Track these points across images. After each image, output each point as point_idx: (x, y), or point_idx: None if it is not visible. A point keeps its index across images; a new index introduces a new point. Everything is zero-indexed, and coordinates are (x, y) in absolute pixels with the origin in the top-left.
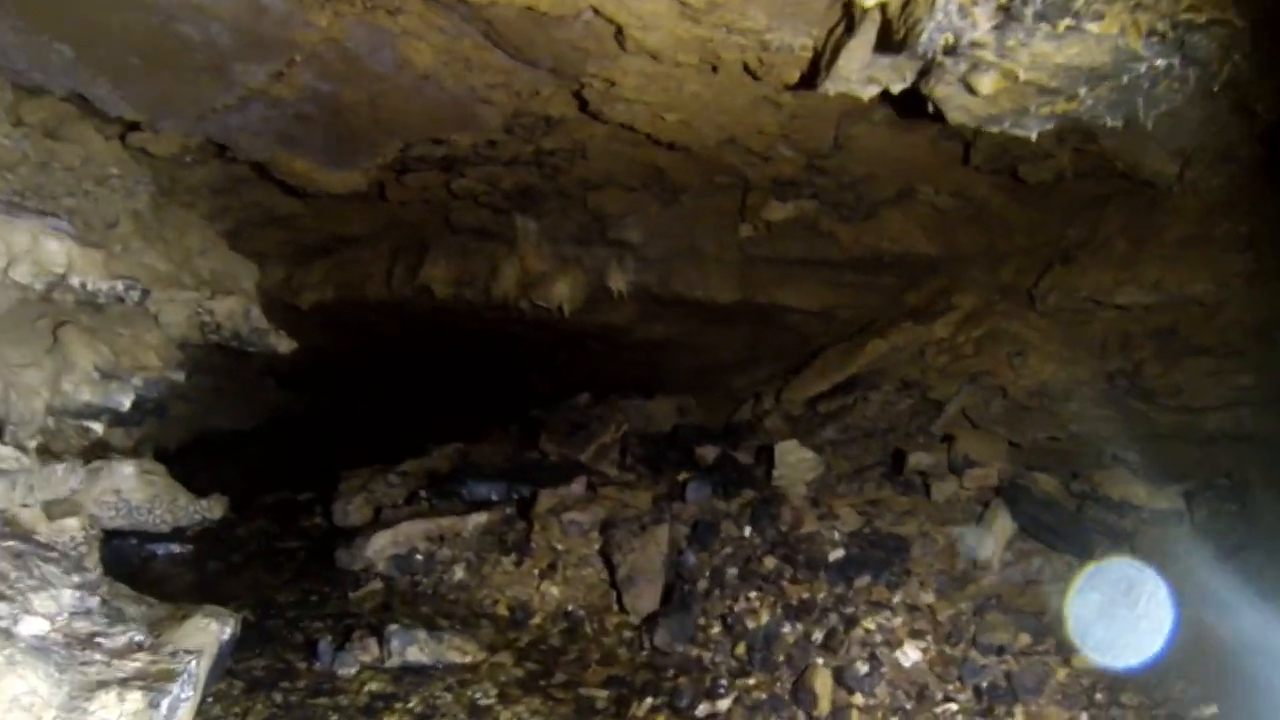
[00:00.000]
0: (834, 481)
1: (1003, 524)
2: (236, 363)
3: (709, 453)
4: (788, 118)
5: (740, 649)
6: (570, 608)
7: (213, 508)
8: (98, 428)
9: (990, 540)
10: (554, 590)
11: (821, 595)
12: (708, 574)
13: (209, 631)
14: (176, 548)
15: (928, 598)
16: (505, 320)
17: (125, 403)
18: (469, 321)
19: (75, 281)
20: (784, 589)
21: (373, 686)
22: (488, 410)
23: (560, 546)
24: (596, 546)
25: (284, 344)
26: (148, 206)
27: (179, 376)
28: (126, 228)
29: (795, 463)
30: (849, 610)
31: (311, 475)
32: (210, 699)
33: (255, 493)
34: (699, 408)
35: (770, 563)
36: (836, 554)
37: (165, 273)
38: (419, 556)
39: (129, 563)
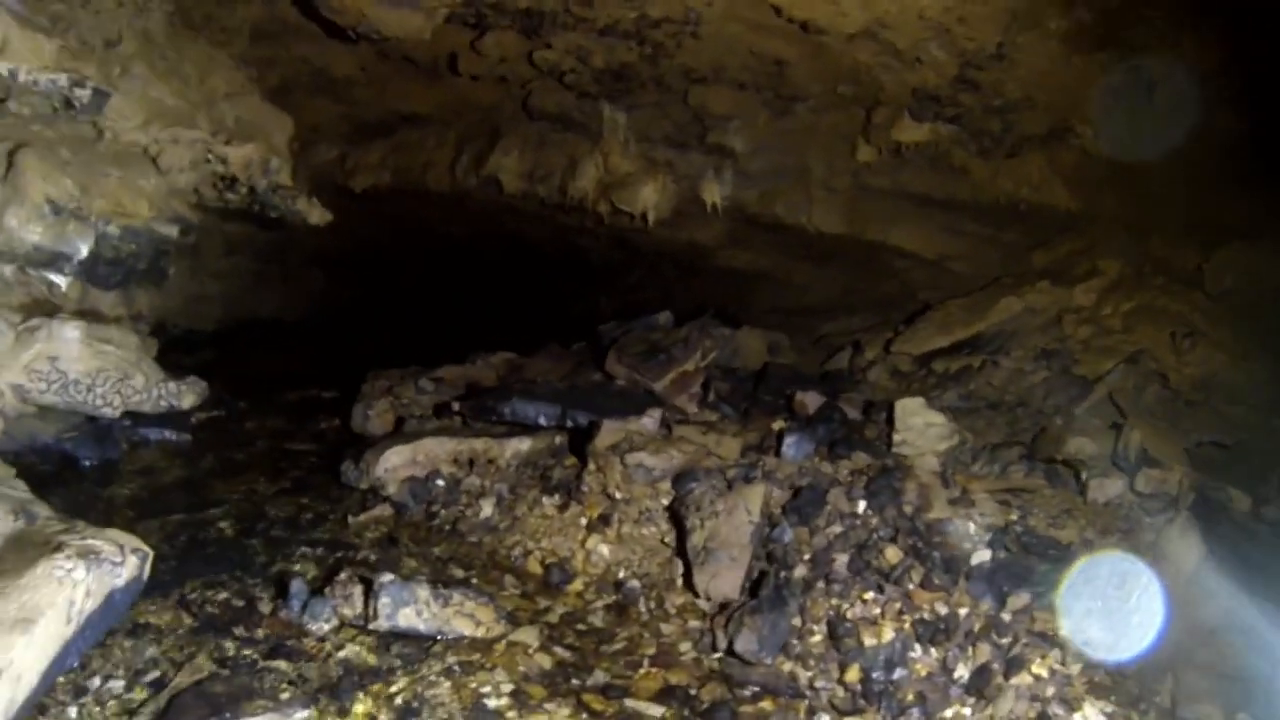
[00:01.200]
0: (967, 457)
1: (1188, 547)
2: (280, 247)
3: (810, 400)
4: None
5: (852, 673)
6: (622, 575)
7: (182, 394)
8: (60, 281)
9: (1172, 566)
10: (603, 549)
11: (964, 612)
12: (809, 558)
13: (65, 585)
14: (171, 434)
15: None
16: (577, 227)
17: (82, 249)
18: (536, 225)
19: (3, 69)
20: (912, 596)
21: (347, 653)
22: (545, 327)
23: (618, 494)
24: (665, 501)
25: (316, 213)
26: (163, 31)
27: (170, 230)
28: (130, 48)
29: (921, 427)
30: (1006, 641)
31: (345, 374)
32: (151, 630)
33: (281, 386)
34: (791, 348)
35: (893, 554)
36: (980, 556)
37: (174, 109)
38: (440, 482)
39: (106, 446)
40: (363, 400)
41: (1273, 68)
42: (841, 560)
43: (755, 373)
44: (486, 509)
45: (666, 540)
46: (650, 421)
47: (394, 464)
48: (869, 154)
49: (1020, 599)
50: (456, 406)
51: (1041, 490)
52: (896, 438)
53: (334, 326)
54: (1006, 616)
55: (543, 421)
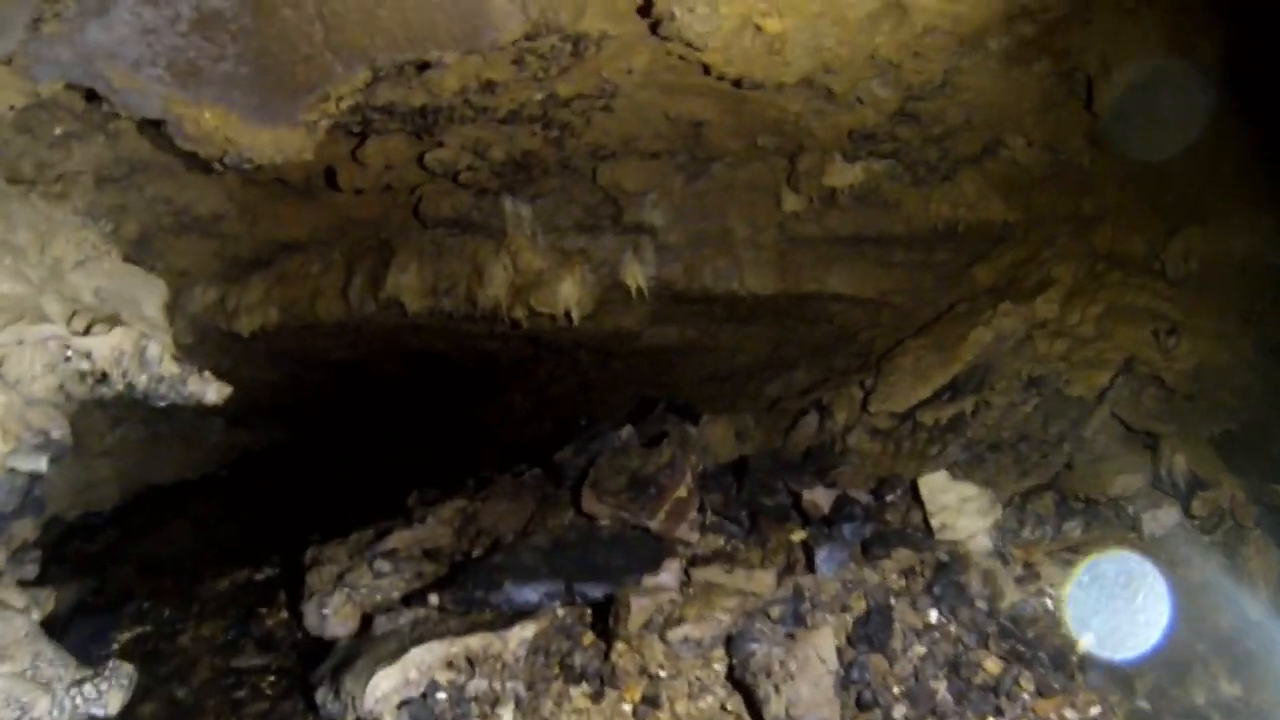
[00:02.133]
0: (1014, 524)
1: (1265, 565)
2: (169, 406)
3: (820, 498)
4: (916, 35)
5: None
6: None
7: (105, 696)
8: None
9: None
10: None
11: (1098, 711)
12: (903, 693)
13: None
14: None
15: None
16: (484, 334)
17: None
18: (441, 339)
19: None
20: (1035, 709)
21: None
22: (465, 440)
23: (662, 672)
24: (719, 667)
25: (212, 390)
26: None
27: (35, 464)
28: None
29: (956, 504)
30: None
31: (272, 539)
32: None
33: (203, 570)
34: (757, 428)
35: (993, 665)
36: (1086, 639)
37: (10, 298)
38: (441, 695)
39: None
40: (314, 595)
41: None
42: (941, 688)
43: (733, 468)
44: (506, 716)
45: (728, 707)
46: (669, 577)
47: (385, 690)
48: (796, 203)
49: (1145, 678)
50: (435, 600)
51: (1098, 539)
52: (935, 522)
53: (242, 482)
54: (1144, 704)
55: (545, 603)
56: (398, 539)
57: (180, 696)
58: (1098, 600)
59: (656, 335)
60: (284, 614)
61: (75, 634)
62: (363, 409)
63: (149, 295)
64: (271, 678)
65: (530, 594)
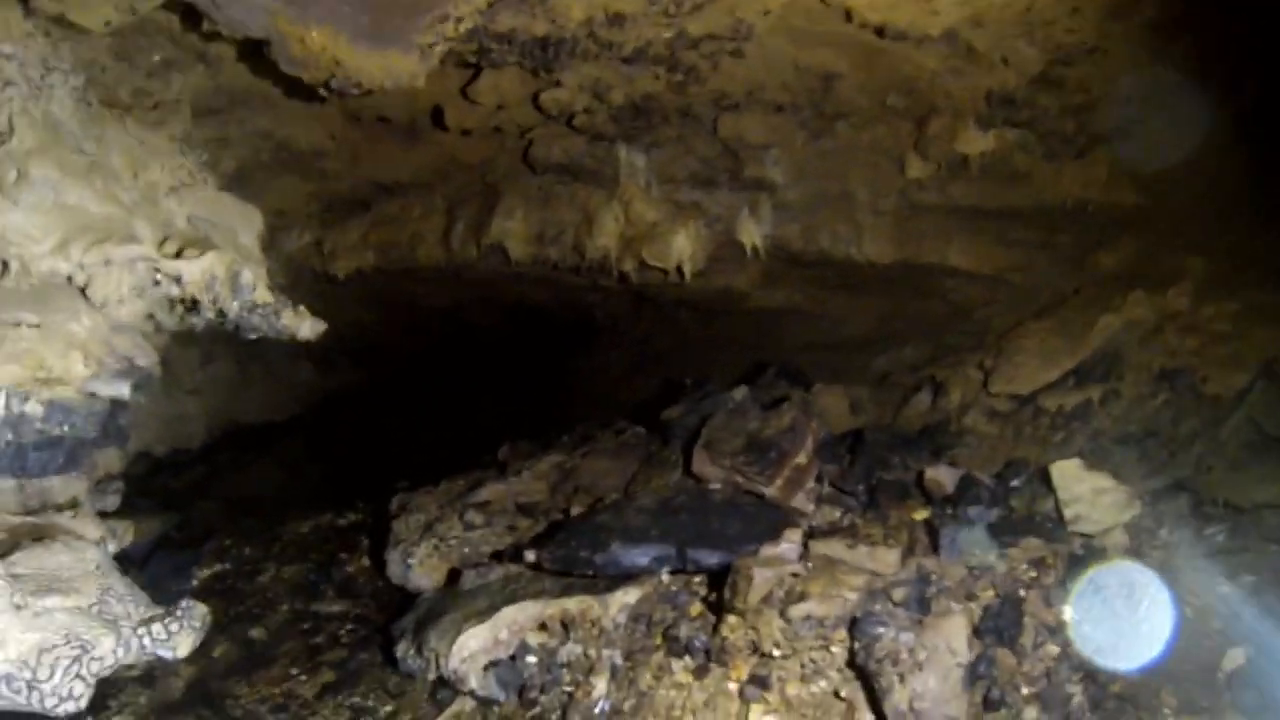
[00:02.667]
0: (1151, 524)
1: None
2: (261, 344)
3: (945, 476)
4: None
5: None
6: None
7: (175, 638)
8: None
9: None
10: None
11: None
12: (1033, 694)
13: None
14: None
15: None
16: (586, 286)
17: None
18: (538, 289)
19: None
20: None
21: None
22: (557, 393)
23: (774, 649)
24: (837, 650)
25: (306, 325)
26: (74, 114)
27: (117, 389)
28: (26, 141)
29: (1090, 495)
30: None
31: (357, 484)
32: None
33: (285, 511)
34: (870, 401)
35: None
36: (1234, 658)
37: (101, 219)
38: (531, 659)
39: None
40: (398, 544)
41: None
42: (1076, 693)
43: (846, 439)
44: (600, 686)
45: (843, 694)
46: (790, 549)
47: (473, 650)
48: (921, 169)
49: None
50: (531, 557)
51: (1239, 547)
52: (1068, 512)
53: (329, 427)
54: None
55: (654, 567)
56: (490, 491)
57: (255, 638)
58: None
59: (764, 298)
60: (366, 560)
61: (154, 568)
62: (454, 357)
63: (245, 225)
64: (350, 625)
65: (639, 557)
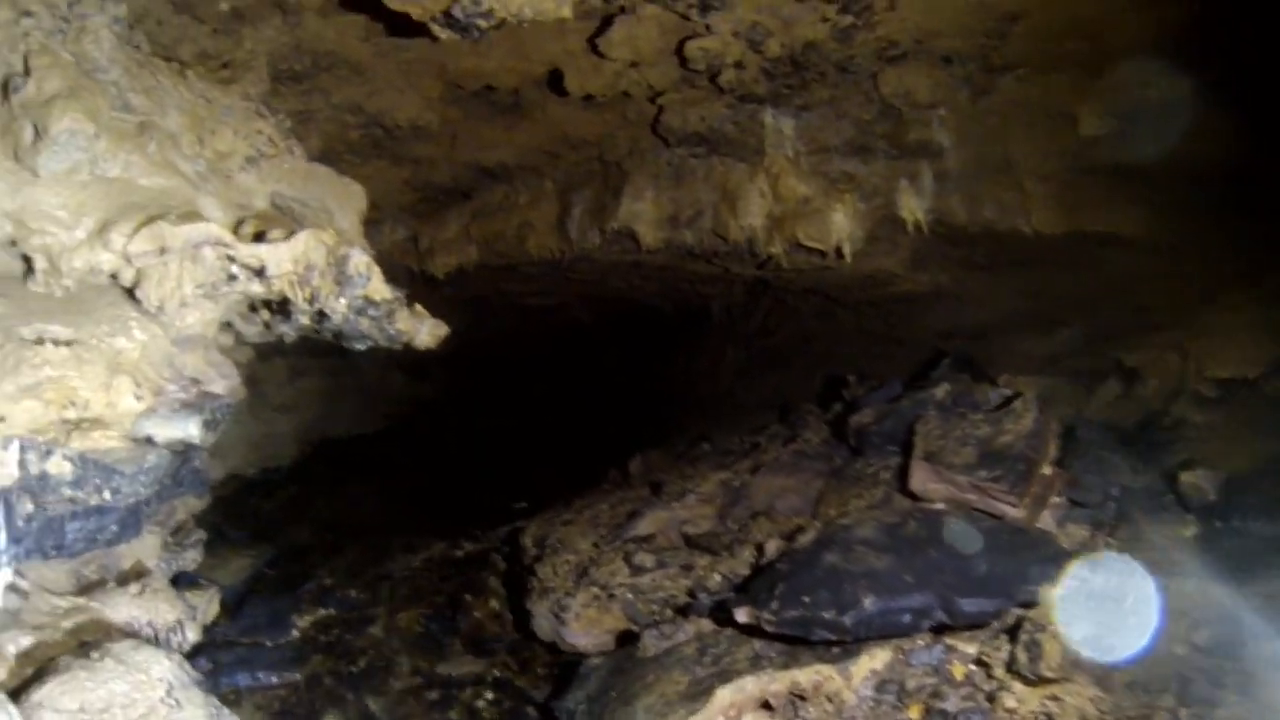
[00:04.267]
0: None
1: None
2: (350, 353)
3: (1202, 481)
4: None
5: None
6: None
7: None
8: None
9: None
10: None
11: None
12: None
13: None
14: (275, 678)
15: None
16: (714, 275)
17: None
18: (650, 281)
19: None
20: None
21: None
22: (666, 394)
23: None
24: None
25: (426, 329)
26: (113, 57)
27: (185, 430)
28: (48, 86)
29: None
30: None
31: (462, 503)
32: None
33: (390, 541)
34: (1065, 393)
35: None
36: None
37: (153, 194)
38: None
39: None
40: (547, 593)
41: None
42: None
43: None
44: None
45: None
46: None
47: None
48: (1095, 124)
49: None
50: (746, 617)
51: None
52: None
53: (426, 439)
54: None
55: (916, 624)
56: (652, 520)
57: (374, 710)
58: None
59: (910, 281)
60: (495, 605)
61: (249, 616)
62: (552, 358)
63: (344, 204)
64: (489, 694)
65: (899, 613)
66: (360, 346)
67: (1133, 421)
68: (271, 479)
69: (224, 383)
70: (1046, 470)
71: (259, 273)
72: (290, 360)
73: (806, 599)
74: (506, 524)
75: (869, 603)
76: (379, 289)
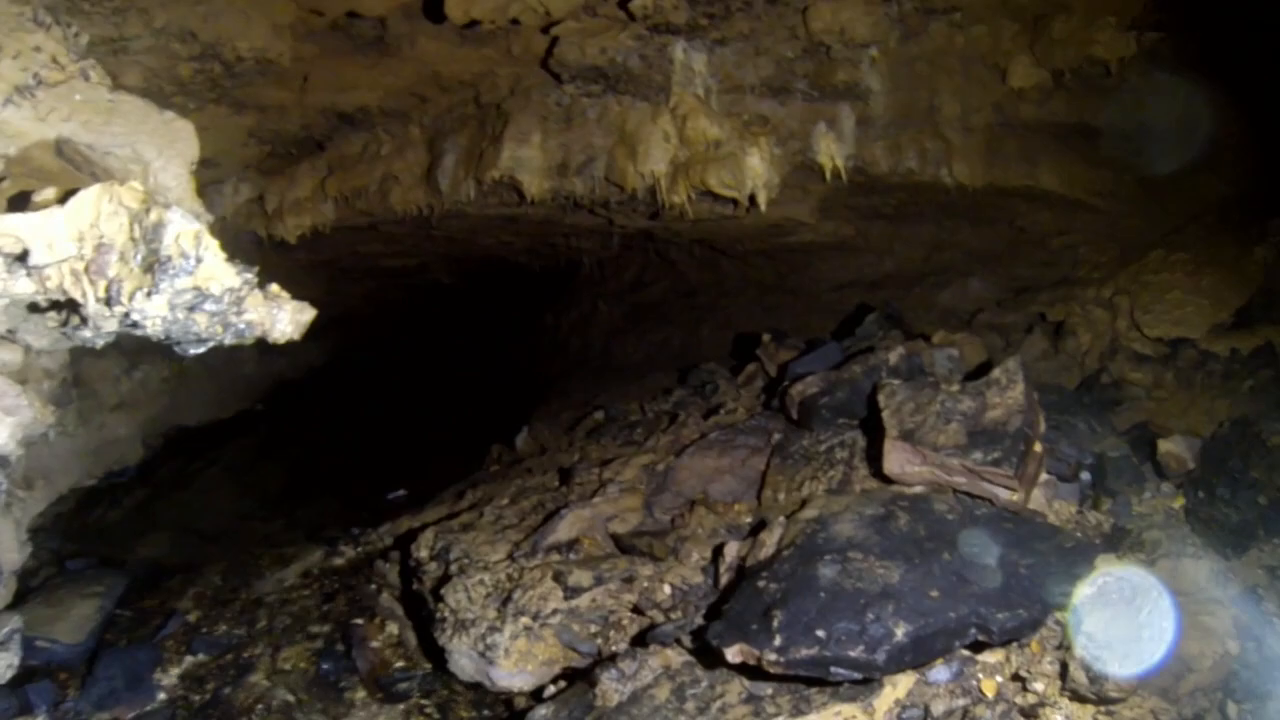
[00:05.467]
0: None
1: None
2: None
3: (1180, 448)
4: None
5: None
6: None
7: None
8: None
9: None
10: None
11: None
12: None
13: None
14: None
15: None
16: (596, 228)
17: None
18: (521, 236)
19: None
20: None
21: None
22: (538, 356)
23: None
24: None
25: (285, 317)
26: None
27: None
28: None
29: None
30: None
31: (336, 493)
32: None
33: (255, 537)
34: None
35: None
36: None
37: None
38: None
39: None
40: (465, 628)
41: None
42: None
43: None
44: None
45: None
46: None
47: None
48: (1028, 77)
49: None
50: (740, 656)
51: None
52: None
53: (280, 418)
54: None
55: (950, 646)
56: (573, 522)
57: None
58: None
59: (812, 230)
60: (392, 629)
61: (103, 680)
62: (413, 324)
63: (165, 150)
64: None
65: (935, 640)
66: (196, 350)
67: (1071, 380)
68: (117, 484)
69: (15, 411)
70: (1038, 448)
71: (20, 259)
72: (122, 349)
73: (821, 634)
74: (387, 518)
75: (902, 633)
76: (217, 273)
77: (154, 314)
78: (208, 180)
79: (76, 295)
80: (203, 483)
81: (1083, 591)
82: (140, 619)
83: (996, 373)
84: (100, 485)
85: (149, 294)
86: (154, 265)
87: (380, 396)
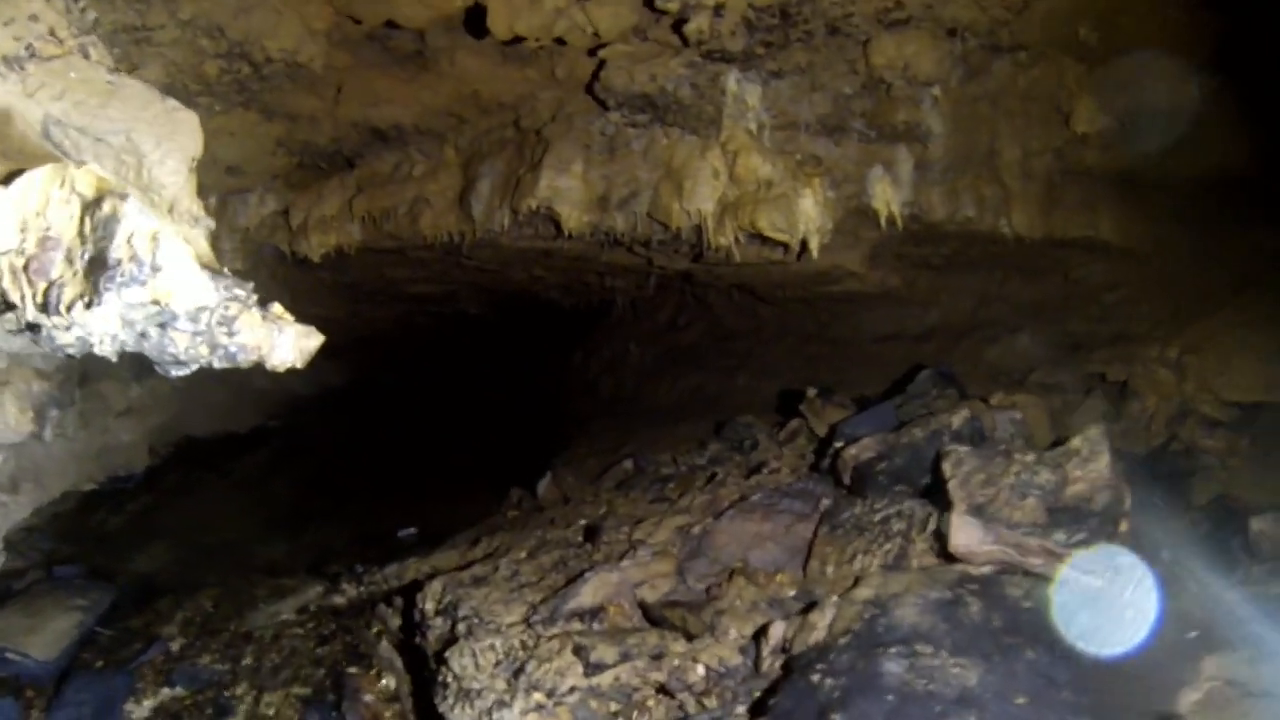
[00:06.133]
0: None
1: None
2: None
3: (1270, 527)
4: None
5: None
6: None
7: None
8: None
9: None
10: None
11: None
12: None
13: None
14: None
15: None
16: (637, 266)
17: None
18: (554, 271)
19: None
20: None
21: None
22: (563, 394)
23: None
24: None
25: (288, 341)
26: None
27: None
28: None
29: None
30: None
31: (344, 521)
32: None
33: (255, 559)
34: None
35: None
36: None
37: None
38: None
39: None
40: (470, 699)
41: None
42: None
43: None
44: None
45: None
46: None
47: None
48: (1092, 122)
49: None
50: None
51: None
52: None
53: (302, 441)
54: None
55: None
56: (598, 586)
57: None
58: None
59: (858, 279)
60: (387, 681)
61: (71, 703)
62: (439, 352)
63: (164, 142)
64: None
65: None
66: (179, 372)
67: (1137, 446)
68: (121, 490)
69: None
70: (1124, 526)
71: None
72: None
73: None
74: (395, 558)
75: None
76: (184, 286)
77: (100, 330)
78: (233, 188)
79: (15, 298)
80: (208, 495)
81: (1189, 698)
82: (122, 640)
83: (1076, 442)
84: (103, 489)
85: (89, 304)
86: (99, 270)
87: (401, 424)
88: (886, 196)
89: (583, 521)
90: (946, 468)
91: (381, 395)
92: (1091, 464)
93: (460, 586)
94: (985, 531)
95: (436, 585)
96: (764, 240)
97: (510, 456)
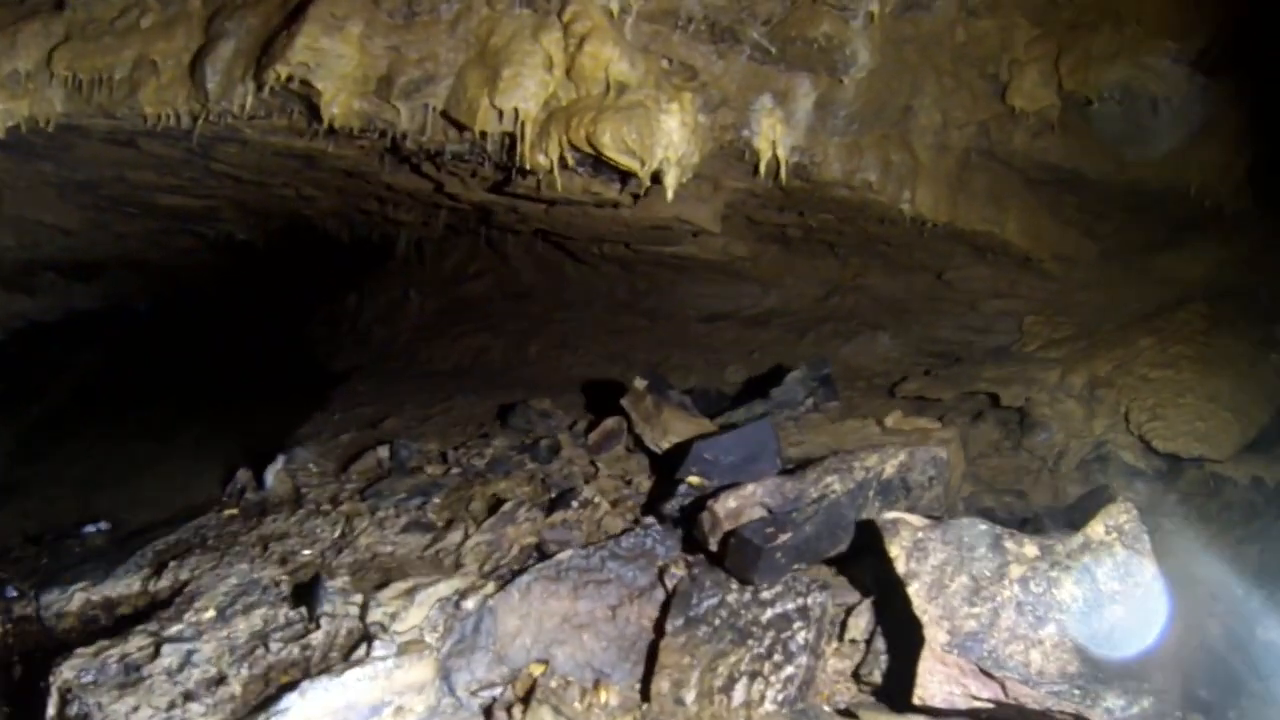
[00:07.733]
0: None
1: None
2: None
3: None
4: None
5: None
6: None
7: None
8: None
9: None
10: None
11: None
12: None
13: None
14: None
15: None
16: (420, 192)
17: None
18: (325, 188)
19: None
20: None
21: None
22: (333, 339)
23: None
24: None
25: None
26: None
27: None
28: None
29: None
30: None
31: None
32: None
33: None
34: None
35: None
36: None
37: None
38: None
39: None
40: None
41: None
42: None
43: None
44: None
45: None
46: None
47: None
48: (1036, 98)
49: None
50: None
51: None
52: None
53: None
54: None
55: None
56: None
57: None
58: None
59: (697, 243)
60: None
61: None
62: (211, 282)
63: None
64: None
65: None
66: None
67: (1035, 488)
68: None
69: None
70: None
71: None
72: None
73: None
74: (66, 569)
75: None
76: None
77: None
78: None
79: None
80: None
81: None
82: None
83: (1099, 528)
84: None
85: None
86: None
87: (145, 361)
88: (774, 136)
89: (305, 554)
90: (897, 557)
91: (133, 327)
92: (1135, 567)
93: (99, 686)
94: (981, 682)
95: (68, 672)
96: (598, 167)
97: (257, 415)
